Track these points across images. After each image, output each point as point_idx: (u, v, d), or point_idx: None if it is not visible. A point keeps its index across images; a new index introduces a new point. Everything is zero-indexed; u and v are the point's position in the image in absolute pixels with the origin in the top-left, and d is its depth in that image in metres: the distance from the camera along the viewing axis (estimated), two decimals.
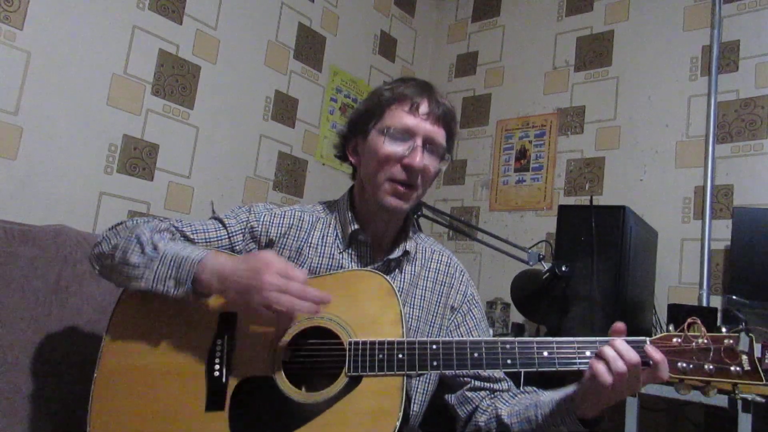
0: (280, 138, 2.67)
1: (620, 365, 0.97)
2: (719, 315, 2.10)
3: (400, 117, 1.19)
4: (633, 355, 0.98)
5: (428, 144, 1.20)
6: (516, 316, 2.63)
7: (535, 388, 1.26)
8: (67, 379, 1.52)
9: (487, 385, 1.27)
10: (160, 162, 2.23)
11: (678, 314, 2.07)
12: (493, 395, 1.27)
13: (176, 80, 2.28)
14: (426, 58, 3.51)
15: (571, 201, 2.80)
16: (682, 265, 2.47)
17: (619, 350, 0.99)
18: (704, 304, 2.33)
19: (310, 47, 2.81)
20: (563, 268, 1.72)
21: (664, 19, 2.72)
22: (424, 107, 1.20)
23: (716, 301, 2.35)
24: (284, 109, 2.69)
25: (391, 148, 1.18)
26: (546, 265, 1.81)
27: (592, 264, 2.02)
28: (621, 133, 2.74)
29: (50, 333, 1.51)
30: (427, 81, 1.27)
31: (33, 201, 1.88)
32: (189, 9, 2.31)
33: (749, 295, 2.13)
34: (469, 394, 1.27)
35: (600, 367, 0.98)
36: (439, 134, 1.21)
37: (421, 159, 1.17)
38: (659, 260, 2.47)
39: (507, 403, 1.23)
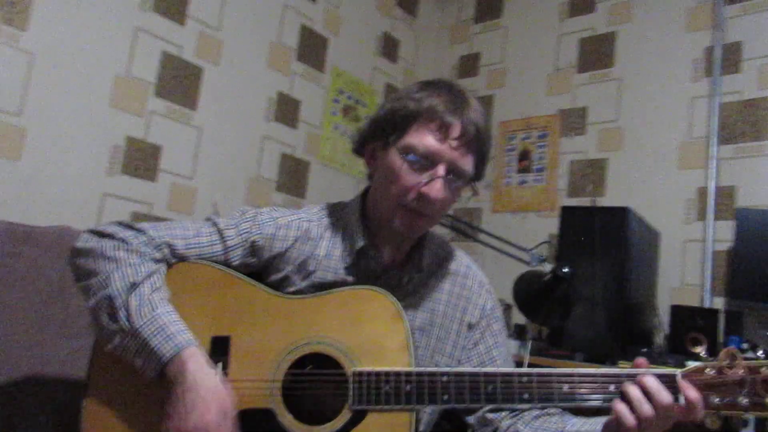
0: (283, 139, 2.68)
1: (646, 408, 0.90)
2: (722, 316, 2.10)
3: (425, 139, 1.05)
4: (664, 396, 0.90)
5: (451, 173, 1.06)
6: (518, 318, 2.63)
7: (559, 410, 1.17)
8: (70, 380, 1.52)
9: (508, 405, 1.16)
10: (162, 163, 2.23)
11: (680, 316, 2.07)
12: (513, 414, 1.18)
13: (179, 82, 2.28)
14: (428, 59, 3.51)
15: (574, 202, 2.79)
16: (685, 266, 2.46)
17: (647, 389, 0.91)
18: (706, 305, 2.33)
19: (312, 49, 2.81)
20: (565, 270, 1.71)
21: (666, 20, 2.71)
22: (454, 131, 1.04)
23: (719, 303, 2.35)
24: (287, 110, 2.69)
25: (409, 174, 1.05)
26: (548, 267, 1.81)
27: (594, 265, 2.02)
28: (623, 134, 2.74)
29: (53, 333, 1.51)
30: (462, 90, 1.11)
31: (36, 202, 1.89)
32: (192, 10, 2.32)
33: (752, 297, 2.12)
34: (489, 415, 1.18)
35: (622, 409, 0.91)
36: (466, 162, 1.07)
37: (439, 190, 1.04)
38: (661, 261, 2.47)
39: (529, 426, 1.15)
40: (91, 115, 2.03)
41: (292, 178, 2.72)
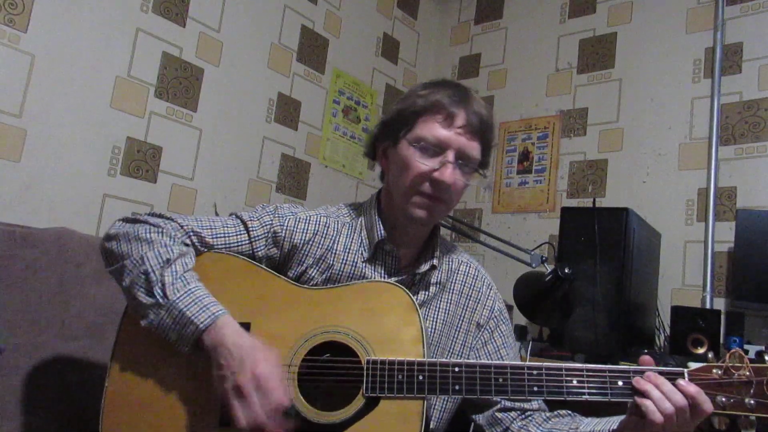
0: (283, 140, 2.68)
1: (668, 406, 0.93)
2: (722, 317, 2.10)
3: (433, 128, 1.13)
4: (679, 398, 0.93)
5: (460, 159, 1.14)
6: (519, 318, 2.63)
7: (569, 412, 1.20)
8: (69, 382, 1.52)
9: (518, 405, 1.21)
10: (163, 164, 2.23)
11: (681, 316, 2.07)
12: (524, 416, 1.21)
13: (179, 82, 2.28)
14: (429, 60, 3.52)
15: (574, 203, 2.79)
16: (686, 267, 2.46)
17: (664, 391, 0.94)
18: (707, 306, 2.33)
19: (313, 50, 2.81)
20: (566, 270, 1.71)
21: (667, 21, 2.71)
22: (459, 119, 1.13)
23: (719, 304, 2.34)
24: (287, 111, 2.69)
25: (422, 161, 1.12)
26: (549, 267, 1.80)
27: (595, 266, 2.02)
28: (624, 135, 2.74)
29: (52, 335, 1.51)
30: (465, 87, 1.20)
31: (37, 203, 1.89)
32: (192, 12, 2.32)
33: (752, 298, 2.12)
34: (499, 415, 1.21)
35: (650, 405, 0.93)
36: (473, 148, 1.15)
37: (451, 174, 1.11)
38: (662, 262, 2.46)
39: (540, 427, 1.17)
40: (91, 116, 2.03)
41: (293, 179, 2.72)
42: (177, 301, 1.02)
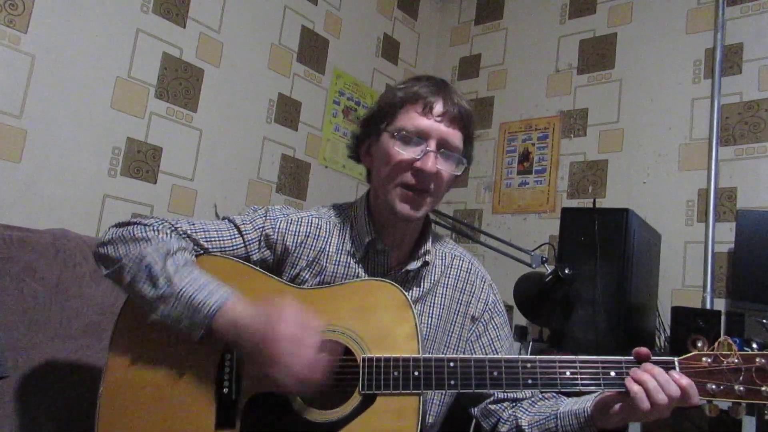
0: (283, 141, 2.68)
1: (661, 397, 0.95)
2: (723, 318, 2.10)
3: (413, 118, 1.13)
4: (673, 389, 0.95)
5: (442, 147, 1.13)
6: (519, 319, 2.63)
7: (554, 394, 1.22)
8: (68, 382, 1.52)
9: (510, 395, 1.23)
10: (163, 165, 2.23)
11: (681, 317, 2.07)
12: (514, 405, 1.24)
13: (180, 83, 2.28)
14: (429, 60, 3.52)
15: (574, 203, 2.79)
16: (686, 267, 2.46)
17: (660, 382, 0.96)
18: (708, 306, 2.33)
19: (313, 50, 2.82)
20: (566, 271, 1.72)
21: (667, 21, 2.72)
22: (438, 108, 1.13)
23: (720, 304, 2.34)
24: (287, 111, 2.69)
25: (403, 151, 1.12)
26: (549, 268, 1.81)
27: (595, 267, 2.02)
28: (624, 135, 2.74)
29: (50, 335, 1.51)
30: (443, 79, 1.20)
31: (37, 203, 1.89)
32: (192, 12, 2.32)
33: (752, 298, 2.12)
34: (492, 407, 1.24)
35: (639, 391, 0.96)
36: (454, 137, 1.14)
37: (433, 163, 1.11)
38: (662, 263, 2.46)
39: (527, 412, 1.20)
40: (91, 117, 2.03)
41: (293, 179, 2.72)
42: (185, 287, 1.02)
